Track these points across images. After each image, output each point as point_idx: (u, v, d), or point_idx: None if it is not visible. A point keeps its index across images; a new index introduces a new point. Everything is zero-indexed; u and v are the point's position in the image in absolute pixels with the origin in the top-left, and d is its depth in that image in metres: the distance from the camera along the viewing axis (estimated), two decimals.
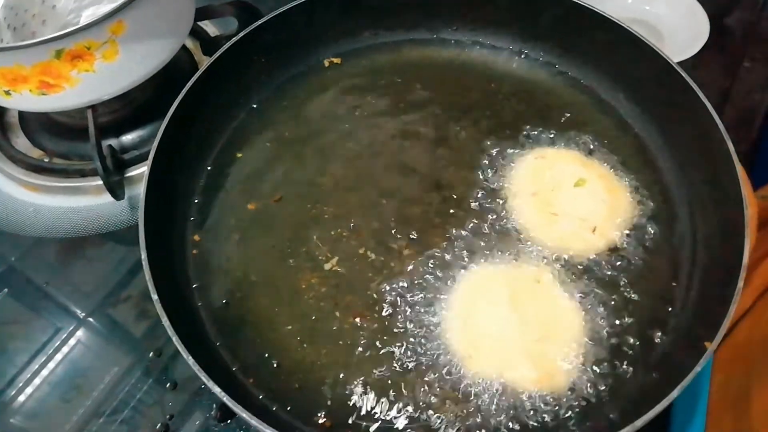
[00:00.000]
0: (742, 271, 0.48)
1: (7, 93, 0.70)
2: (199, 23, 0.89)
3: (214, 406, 0.62)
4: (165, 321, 0.48)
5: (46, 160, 0.82)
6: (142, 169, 0.79)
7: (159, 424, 0.62)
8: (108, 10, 0.65)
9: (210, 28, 0.94)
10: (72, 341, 0.68)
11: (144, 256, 0.51)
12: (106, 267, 0.73)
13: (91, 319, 0.69)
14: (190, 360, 0.47)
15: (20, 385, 0.64)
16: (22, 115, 0.86)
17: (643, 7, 0.93)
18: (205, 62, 0.65)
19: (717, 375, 0.80)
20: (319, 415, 0.52)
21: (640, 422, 0.43)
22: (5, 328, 0.69)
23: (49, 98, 0.70)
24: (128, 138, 0.82)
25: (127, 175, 0.79)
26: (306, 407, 0.53)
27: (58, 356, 0.67)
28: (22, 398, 0.64)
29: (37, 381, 0.65)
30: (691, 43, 0.85)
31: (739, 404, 0.77)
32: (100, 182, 0.78)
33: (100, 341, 0.69)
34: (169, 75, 0.81)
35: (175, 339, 0.48)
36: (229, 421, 0.61)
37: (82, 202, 0.79)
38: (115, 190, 0.75)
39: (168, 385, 0.64)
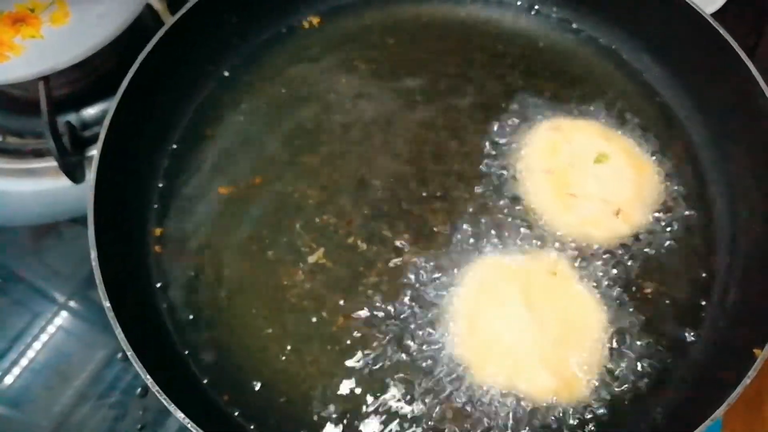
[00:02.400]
0: None
1: None
2: None
3: None
4: (119, 333, 0.41)
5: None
6: None
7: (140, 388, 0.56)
8: None
9: None
10: (51, 328, 0.63)
11: (94, 255, 0.44)
12: (82, 248, 0.65)
13: (71, 303, 0.64)
14: (149, 380, 0.40)
15: (0, 374, 0.60)
16: None
17: None
18: (168, 21, 0.56)
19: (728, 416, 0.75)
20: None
21: None
22: None
23: None
24: (89, 113, 0.74)
25: (89, 154, 0.71)
26: (289, 426, 0.46)
27: (37, 344, 0.62)
28: (2, 387, 0.60)
29: (16, 370, 0.61)
30: (707, 3, 0.76)
31: (751, 406, 0.72)
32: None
33: (82, 326, 0.64)
34: (134, 39, 0.72)
35: (130, 354, 0.41)
36: None
37: (39, 186, 0.71)
38: (73, 172, 0.67)
39: (138, 390, 0.57)
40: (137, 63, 0.55)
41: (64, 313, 0.64)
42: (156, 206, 0.56)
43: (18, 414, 0.59)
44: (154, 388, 0.39)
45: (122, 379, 0.58)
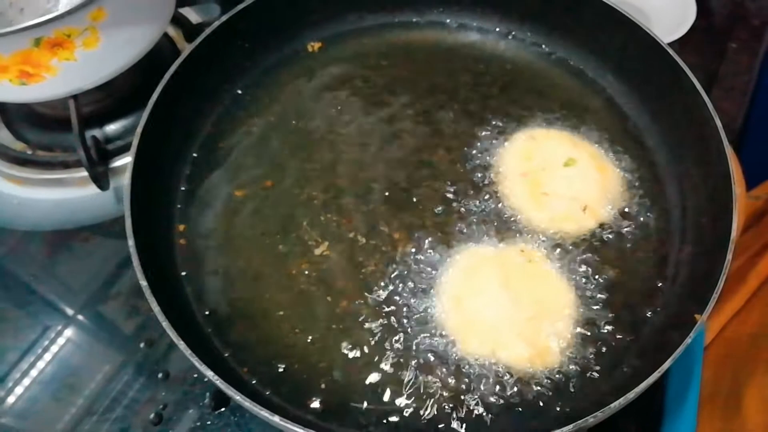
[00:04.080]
0: (731, 245, 0.48)
1: None
2: (180, 11, 0.88)
3: (207, 395, 0.62)
4: (155, 307, 0.48)
5: (29, 152, 0.80)
6: (127, 159, 0.78)
7: (152, 414, 0.61)
8: None
9: (192, 15, 0.92)
10: (61, 340, 0.67)
11: (131, 243, 0.50)
12: (93, 263, 0.72)
13: (80, 317, 0.69)
14: (182, 344, 0.46)
15: (10, 384, 0.63)
16: (3, 107, 0.84)
17: None
18: (190, 45, 0.64)
19: (707, 374, 0.81)
20: (313, 399, 0.52)
21: (632, 394, 0.43)
22: None
23: (29, 88, 0.69)
24: (112, 128, 0.81)
25: (112, 165, 0.78)
26: (299, 391, 0.52)
27: (48, 355, 0.66)
28: (12, 399, 0.63)
29: (27, 381, 0.64)
30: (677, 26, 0.85)
31: (730, 402, 0.78)
32: (85, 174, 0.77)
33: (90, 339, 0.68)
34: (152, 64, 0.80)
35: (165, 324, 0.47)
36: (222, 410, 0.61)
37: (67, 194, 0.78)
38: (100, 180, 0.74)
39: (160, 375, 0.64)
40: (162, 82, 0.62)
41: (73, 327, 0.68)
42: (179, 206, 0.63)
43: (26, 426, 0.61)
44: (187, 351, 0.46)
45: (127, 394, 0.62)
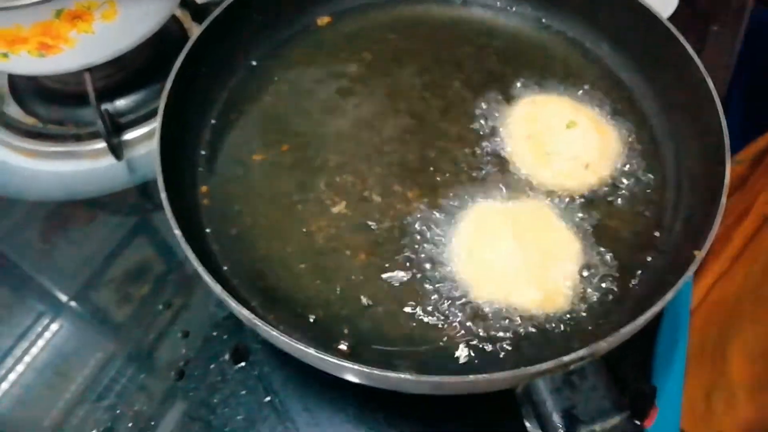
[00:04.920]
0: (725, 189, 0.52)
1: (5, 56, 0.70)
2: None
3: (227, 352, 0.65)
4: (189, 254, 0.50)
5: (40, 125, 0.82)
6: (138, 132, 0.81)
7: (174, 371, 0.63)
8: None
9: None
10: (55, 326, 0.68)
11: (164, 196, 0.53)
12: (88, 248, 0.73)
13: (73, 303, 0.70)
14: (218, 288, 0.49)
15: (2, 372, 0.64)
16: (13, 84, 0.86)
17: None
18: (208, 18, 0.66)
19: (694, 336, 0.86)
20: (340, 342, 0.55)
21: (641, 320, 0.47)
22: None
23: (47, 60, 0.71)
24: (122, 103, 0.84)
25: (124, 138, 0.80)
26: (325, 336, 0.55)
27: (41, 342, 0.67)
28: (5, 385, 0.63)
29: (20, 367, 0.65)
30: (661, 10, 0.89)
31: (716, 357, 0.83)
32: (97, 146, 0.80)
33: (84, 326, 0.69)
34: (160, 42, 0.83)
35: (200, 269, 0.50)
36: (242, 364, 0.64)
37: (80, 167, 0.80)
38: (117, 150, 0.76)
39: (179, 334, 0.66)
40: (183, 54, 0.64)
41: (66, 313, 0.69)
42: (201, 169, 0.65)
43: (19, 412, 0.62)
44: (223, 294, 0.49)
45: (119, 381, 0.63)
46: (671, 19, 0.85)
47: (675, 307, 0.77)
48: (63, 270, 0.72)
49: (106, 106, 0.81)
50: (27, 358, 0.66)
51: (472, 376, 0.45)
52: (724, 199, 0.52)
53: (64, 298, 0.70)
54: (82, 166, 0.80)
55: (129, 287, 0.70)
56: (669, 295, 0.48)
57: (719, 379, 0.84)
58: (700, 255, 0.50)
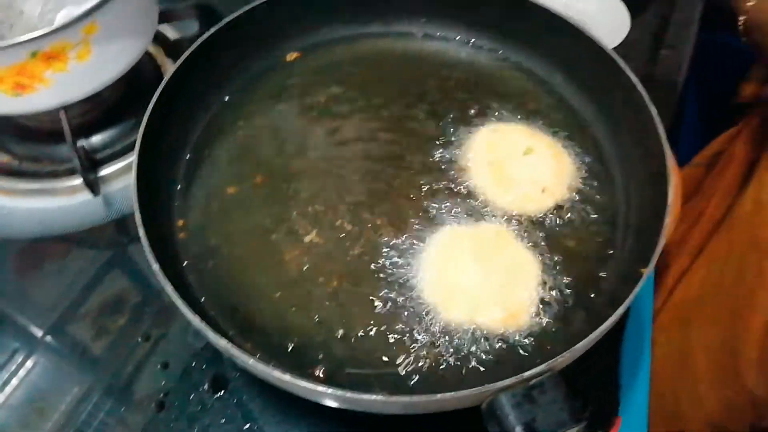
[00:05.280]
0: (668, 209, 0.57)
1: None
2: (159, 28, 0.93)
3: (207, 380, 0.66)
4: (168, 288, 0.52)
5: (16, 163, 0.83)
6: (114, 167, 0.83)
7: (154, 403, 0.65)
8: (81, 11, 0.69)
9: (170, 32, 0.98)
10: (30, 362, 0.69)
11: (142, 232, 0.55)
12: (63, 282, 0.75)
13: (48, 338, 0.71)
14: (196, 320, 0.51)
15: None
16: None
17: (572, 3, 1.04)
18: (182, 56, 0.69)
19: (660, 338, 0.90)
20: (315, 367, 0.57)
21: (594, 334, 0.50)
22: None
23: (23, 99, 0.73)
24: (98, 139, 0.86)
25: (100, 174, 0.82)
26: (301, 363, 0.58)
27: (15, 380, 0.67)
28: None
29: None
30: (615, 35, 0.96)
31: (682, 354, 0.87)
32: (73, 182, 0.81)
33: (59, 361, 0.70)
34: (135, 78, 0.85)
35: (178, 302, 0.52)
36: (221, 393, 0.66)
37: (56, 203, 0.81)
38: (93, 186, 0.78)
39: (159, 366, 0.68)
40: (158, 91, 0.66)
41: (41, 349, 0.70)
42: (177, 203, 0.68)
43: None
44: (201, 326, 0.51)
45: (96, 417, 0.64)
46: (625, 43, 0.91)
47: (638, 316, 0.81)
48: (39, 305, 0.74)
49: (82, 143, 0.82)
50: (2, 396, 0.66)
51: (439, 395, 0.48)
52: (668, 219, 0.56)
53: (40, 333, 0.71)
54: (58, 203, 0.81)
55: (107, 320, 0.71)
56: (620, 311, 0.52)
57: (685, 377, 0.87)
58: (646, 272, 0.54)
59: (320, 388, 0.48)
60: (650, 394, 0.82)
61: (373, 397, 0.48)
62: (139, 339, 0.69)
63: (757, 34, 0.73)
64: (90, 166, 0.80)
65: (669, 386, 0.88)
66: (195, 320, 0.51)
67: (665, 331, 0.91)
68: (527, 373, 0.49)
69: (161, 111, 0.67)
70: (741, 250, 0.83)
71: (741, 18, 0.73)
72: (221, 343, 0.50)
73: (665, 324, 0.91)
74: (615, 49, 0.91)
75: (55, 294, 0.74)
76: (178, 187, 0.69)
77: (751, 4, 0.71)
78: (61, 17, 0.77)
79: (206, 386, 0.65)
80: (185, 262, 0.64)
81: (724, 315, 0.82)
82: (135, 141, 0.79)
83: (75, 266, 0.76)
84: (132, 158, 0.79)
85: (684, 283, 0.93)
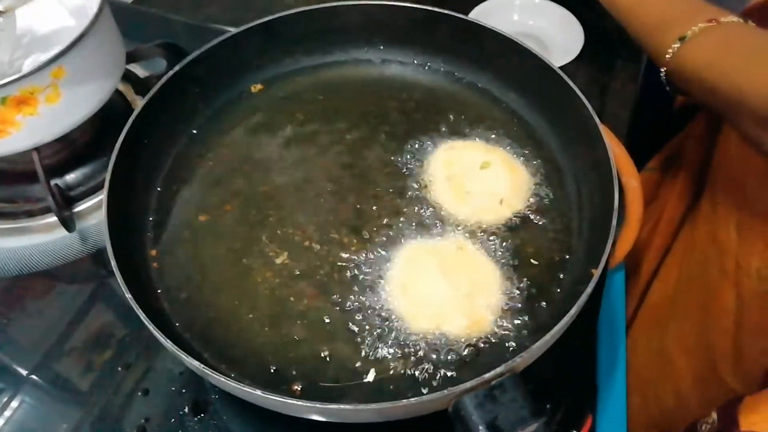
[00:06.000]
0: (615, 213, 0.60)
1: None
2: (128, 66, 0.96)
3: (186, 404, 0.68)
4: (143, 316, 0.54)
5: None
6: (88, 203, 0.85)
7: (135, 429, 0.67)
8: (48, 57, 0.72)
9: (139, 70, 1.01)
10: (15, 402, 0.70)
11: (114, 264, 0.57)
12: (47, 319, 0.76)
13: (34, 377, 0.72)
14: (169, 345, 0.53)
15: None
16: None
17: (527, 22, 1.09)
18: (148, 93, 0.72)
19: (640, 340, 0.93)
20: (290, 383, 0.59)
21: (548, 336, 0.53)
22: None
23: None
24: (71, 177, 0.88)
25: (75, 210, 0.84)
26: (276, 380, 0.60)
27: (1, 420, 0.68)
28: None
29: None
30: (570, 49, 1.01)
31: (661, 356, 0.90)
32: (49, 220, 0.83)
33: (46, 399, 0.71)
34: (105, 116, 0.88)
35: (154, 330, 0.54)
36: (202, 415, 0.67)
37: (33, 241, 0.83)
38: (68, 223, 0.80)
39: (140, 393, 0.69)
40: (126, 129, 0.69)
41: (27, 387, 0.71)
42: (150, 234, 0.70)
43: None
44: (177, 351, 0.53)
45: None
46: (581, 57, 0.96)
47: (610, 317, 0.84)
48: (20, 344, 0.75)
49: (56, 181, 0.84)
50: None
51: (405, 401, 0.50)
52: (614, 223, 0.60)
53: (24, 372, 0.72)
54: (35, 240, 0.83)
55: (89, 354, 0.73)
56: (573, 311, 0.55)
57: (666, 377, 0.89)
58: (597, 273, 0.57)
59: (292, 402, 0.51)
60: (634, 397, 0.85)
61: (344, 406, 0.51)
62: (119, 368, 0.70)
63: (679, 84, 0.75)
64: (64, 203, 0.82)
65: (651, 388, 0.90)
66: (167, 344, 0.54)
67: (644, 333, 0.93)
68: (488, 375, 0.51)
69: (130, 147, 0.69)
70: (703, 249, 0.85)
71: (662, 70, 0.75)
72: (195, 364, 0.52)
73: (644, 325, 0.94)
74: (571, 62, 0.97)
75: (36, 331, 0.75)
76: (150, 219, 0.71)
77: (668, 57, 0.73)
78: (29, 63, 0.79)
79: (186, 409, 0.67)
80: (159, 290, 0.66)
81: (695, 313, 0.85)
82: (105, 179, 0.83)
83: (55, 303, 0.78)
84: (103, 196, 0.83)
85: (657, 284, 0.95)
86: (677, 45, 0.71)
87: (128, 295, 0.56)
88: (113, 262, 0.57)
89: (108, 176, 0.65)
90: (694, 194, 0.93)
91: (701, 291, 0.84)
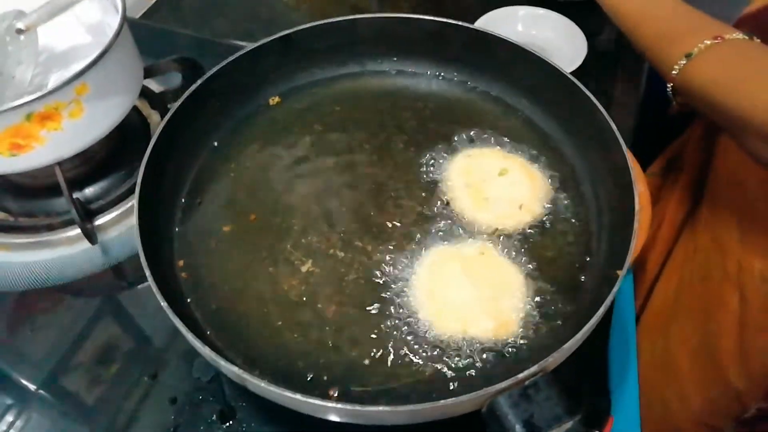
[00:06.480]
0: (636, 214, 0.62)
1: None
2: (144, 82, 0.97)
3: (214, 412, 0.69)
4: (178, 323, 0.55)
5: (12, 219, 0.86)
6: (108, 217, 0.86)
7: None
8: (72, 73, 0.73)
9: (154, 85, 1.02)
10: (24, 417, 0.71)
11: (148, 273, 0.58)
12: (54, 334, 0.77)
13: (42, 392, 0.72)
14: (206, 350, 0.54)
15: None
16: None
17: (530, 32, 1.12)
18: (172, 107, 0.73)
19: (644, 343, 0.94)
20: (325, 388, 0.60)
21: (579, 335, 0.54)
22: None
23: (19, 158, 0.76)
24: (90, 191, 0.89)
25: (96, 223, 0.85)
26: (306, 385, 0.60)
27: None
28: None
29: None
30: (574, 59, 1.03)
31: (665, 358, 0.91)
32: (69, 233, 0.84)
33: (54, 414, 0.71)
34: (123, 131, 0.89)
35: (190, 337, 0.55)
36: (230, 423, 0.68)
37: (55, 254, 0.84)
38: (91, 235, 0.81)
39: (167, 401, 0.70)
40: (151, 145, 0.69)
41: (36, 402, 0.72)
42: (176, 245, 0.71)
43: None
44: (212, 356, 0.54)
45: None
46: (585, 67, 0.98)
47: (621, 321, 0.85)
48: (44, 354, 0.75)
49: (76, 195, 0.85)
50: None
51: (441, 401, 0.51)
52: (636, 225, 0.62)
53: (34, 386, 0.73)
54: (56, 254, 0.84)
55: (112, 363, 0.74)
56: (601, 311, 0.56)
57: (670, 380, 0.89)
58: (621, 274, 0.59)
59: (332, 405, 0.52)
60: (640, 400, 0.86)
61: (380, 408, 0.52)
62: (146, 378, 0.71)
63: (685, 99, 0.76)
64: (86, 216, 0.83)
65: (657, 391, 0.91)
66: (205, 351, 0.54)
67: (648, 337, 0.94)
68: (521, 375, 0.52)
69: (155, 161, 0.70)
70: (705, 251, 0.87)
71: (668, 85, 0.76)
72: (233, 370, 0.53)
73: (647, 330, 0.95)
74: (575, 71, 1.00)
75: (60, 340, 0.76)
76: (176, 230, 0.72)
77: (675, 73, 0.73)
78: (53, 80, 0.81)
79: (214, 417, 0.68)
80: (189, 299, 0.66)
81: (698, 315, 0.86)
82: (127, 190, 0.84)
83: (74, 313, 0.79)
84: (126, 206, 0.84)
85: (660, 288, 0.96)
86: (683, 62, 0.72)
87: (163, 303, 0.57)
88: (147, 271, 0.58)
89: (138, 188, 0.66)
90: (695, 197, 0.94)
91: (704, 293, 0.85)
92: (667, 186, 1.01)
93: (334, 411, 0.53)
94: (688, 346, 0.87)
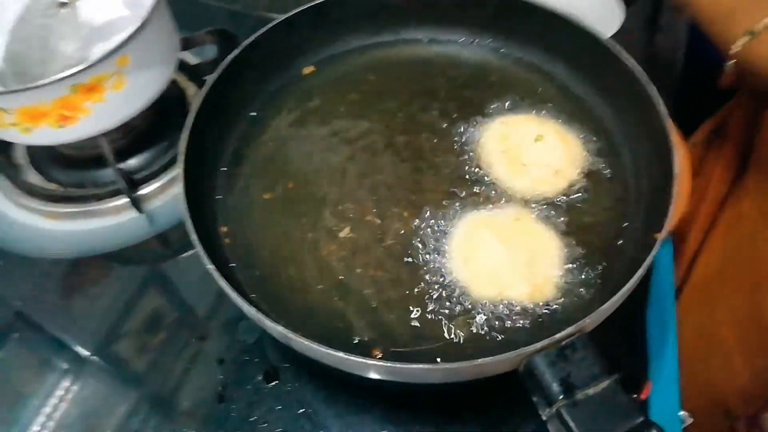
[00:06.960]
0: (676, 177, 0.61)
1: (27, 129, 0.78)
2: (180, 55, 0.99)
3: (260, 372, 0.72)
4: (224, 285, 0.58)
5: (62, 190, 0.90)
6: (152, 187, 0.89)
7: (214, 394, 0.70)
8: (114, 45, 0.75)
9: (190, 57, 1.04)
10: (80, 382, 0.74)
11: (194, 237, 0.60)
12: (104, 303, 0.80)
13: (95, 358, 0.75)
14: (252, 311, 0.56)
15: (36, 429, 0.69)
16: (32, 155, 0.93)
17: None
18: (210, 77, 0.75)
19: (686, 317, 0.93)
20: (368, 348, 0.62)
21: (617, 297, 0.55)
22: (19, 373, 0.75)
23: (66, 130, 0.79)
24: (133, 162, 0.92)
25: (140, 193, 0.88)
26: (352, 346, 0.63)
27: (68, 398, 0.72)
28: None
29: (51, 424, 0.69)
30: (611, 23, 1.01)
31: (711, 329, 0.90)
32: (116, 203, 0.87)
33: (107, 379, 0.75)
34: (162, 104, 0.91)
35: (234, 296, 0.57)
36: (276, 382, 0.71)
37: (103, 223, 0.87)
38: (138, 204, 0.84)
39: (215, 362, 0.73)
40: (193, 111, 0.72)
41: (89, 368, 0.75)
42: (219, 212, 0.73)
43: None
44: (258, 316, 0.56)
45: (163, 409, 0.70)
46: (621, 30, 0.96)
47: (659, 288, 0.85)
48: (94, 321, 0.79)
49: (120, 166, 0.88)
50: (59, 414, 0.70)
51: (480, 360, 0.53)
52: (675, 188, 0.61)
53: (91, 349, 0.76)
54: (104, 223, 0.87)
55: (161, 327, 0.77)
56: (639, 272, 0.57)
57: (715, 353, 0.89)
58: (660, 237, 0.59)
59: (372, 362, 0.54)
60: (681, 372, 0.86)
61: (420, 366, 0.53)
62: (194, 340, 0.74)
63: (746, 77, 0.72)
64: (131, 186, 0.86)
65: (700, 364, 0.89)
66: (251, 311, 0.57)
67: (691, 310, 0.93)
68: (558, 335, 0.53)
69: (197, 130, 0.72)
70: (750, 222, 0.85)
71: (728, 63, 0.71)
72: (279, 329, 0.55)
73: (690, 302, 0.94)
74: (613, 36, 0.97)
75: (111, 306, 0.79)
76: (218, 197, 0.75)
77: (736, 50, 0.69)
78: (96, 52, 0.83)
79: (260, 377, 0.71)
80: (233, 264, 0.69)
81: (745, 287, 0.84)
82: (169, 161, 0.87)
83: (123, 281, 0.83)
84: (168, 176, 0.87)
85: (702, 260, 0.95)
86: (746, 39, 0.68)
87: (210, 266, 0.59)
88: (194, 236, 0.61)
89: (182, 156, 0.68)
90: (739, 168, 0.92)
91: (750, 264, 0.84)
92: (710, 157, 0.99)
93: (374, 368, 0.55)
94: (735, 318, 0.86)
